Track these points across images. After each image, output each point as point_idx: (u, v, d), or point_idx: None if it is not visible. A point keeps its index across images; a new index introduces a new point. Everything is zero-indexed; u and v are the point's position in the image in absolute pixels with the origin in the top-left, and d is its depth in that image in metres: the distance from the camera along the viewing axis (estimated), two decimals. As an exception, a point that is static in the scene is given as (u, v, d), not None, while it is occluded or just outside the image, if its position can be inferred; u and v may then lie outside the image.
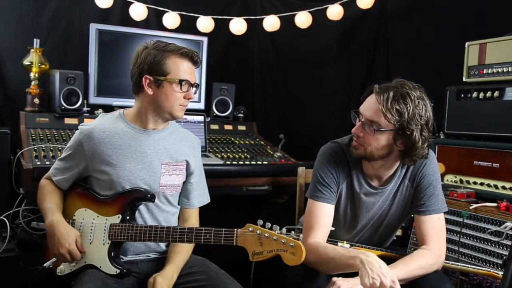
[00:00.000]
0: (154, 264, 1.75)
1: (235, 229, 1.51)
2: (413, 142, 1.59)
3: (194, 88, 1.72)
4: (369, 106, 1.62)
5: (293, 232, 1.46)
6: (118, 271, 1.60)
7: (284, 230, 1.46)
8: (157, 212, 1.75)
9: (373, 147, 1.63)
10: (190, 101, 1.73)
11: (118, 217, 1.65)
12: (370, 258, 1.48)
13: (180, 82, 1.65)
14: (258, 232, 1.46)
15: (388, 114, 1.55)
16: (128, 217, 1.65)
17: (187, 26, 3.09)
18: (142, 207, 1.71)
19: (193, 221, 1.84)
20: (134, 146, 1.70)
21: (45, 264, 1.67)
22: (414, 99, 1.57)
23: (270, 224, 1.47)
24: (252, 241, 1.47)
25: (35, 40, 2.63)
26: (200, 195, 1.87)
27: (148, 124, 1.72)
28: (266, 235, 1.45)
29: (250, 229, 1.48)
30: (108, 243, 1.63)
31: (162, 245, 1.79)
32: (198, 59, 1.70)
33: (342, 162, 1.76)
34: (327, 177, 1.74)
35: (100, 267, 1.62)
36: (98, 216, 1.67)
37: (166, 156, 1.74)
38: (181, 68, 1.66)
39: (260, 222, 1.48)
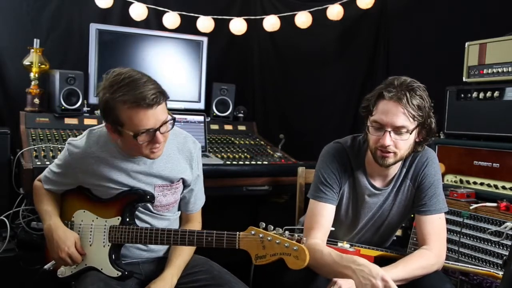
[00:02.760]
0: (156, 265, 1.74)
1: (237, 233, 1.48)
2: (432, 129, 1.64)
3: (171, 121, 1.51)
4: (393, 114, 1.57)
5: (296, 235, 1.44)
6: (120, 273, 1.59)
7: (286, 233, 1.44)
8: (158, 220, 1.72)
9: (404, 149, 1.63)
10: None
11: (118, 219, 1.63)
12: (361, 265, 1.49)
13: (136, 135, 1.46)
14: (261, 235, 1.44)
15: (413, 113, 1.57)
16: (127, 219, 1.63)
17: (187, 26, 3.09)
18: (143, 216, 1.69)
19: (196, 223, 1.82)
20: (125, 171, 1.62)
21: (45, 267, 1.66)
22: (421, 89, 1.61)
23: (272, 227, 1.46)
24: (254, 245, 1.45)
25: (35, 40, 2.63)
26: (199, 199, 1.84)
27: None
28: (269, 238, 1.43)
29: (253, 232, 1.46)
30: (108, 245, 1.62)
31: (161, 252, 1.77)
32: (155, 99, 1.43)
33: (345, 162, 1.76)
34: (329, 178, 1.74)
35: (101, 269, 1.60)
36: (97, 218, 1.66)
37: (158, 179, 1.66)
38: (134, 120, 1.44)
39: (262, 224, 1.46)
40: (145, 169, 1.64)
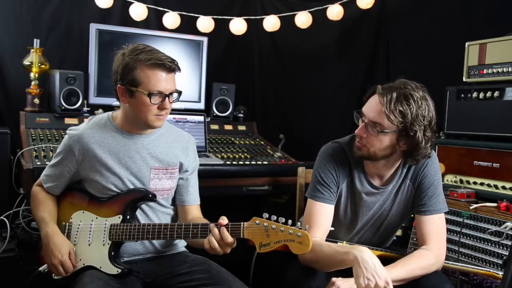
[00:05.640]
0: (154, 263, 1.74)
1: (242, 222, 1.51)
2: (417, 143, 1.59)
3: (176, 94, 1.65)
4: (372, 107, 1.61)
5: (299, 223, 1.48)
6: (120, 270, 1.60)
7: (289, 222, 1.47)
8: (151, 213, 1.74)
9: (376, 148, 1.63)
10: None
11: (119, 217, 1.64)
12: (364, 255, 1.47)
13: (150, 94, 1.58)
14: (265, 224, 1.48)
15: (391, 116, 1.55)
16: (128, 217, 1.65)
17: (187, 26, 3.09)
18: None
19: (199, 217, 1.81)
20: (123, 151, 1.68)
21: (40, 268, 1.66)
22: (417, 100, 1.57)
23: (275, 217, 1.49)
24: (258, 233, 1.48)
25: (35, 40, 2.64)
26: (195, 191, 1.85)
27: (133, 129, 1.70)
28: (273, 226, 1.47)
29: (257, 221, 1.49)
30: (108, 243, 1.62)
31: (158, 246, 1.78)
32: (173, 65, 1.60)
33: (343, 162, 1.76)
34: (327, 177, 1.74)
35: (100, 267, 1.61)
36: (97, 218, 1.66)
37: (155, 161, 1.71)
38: (152, 79, 1.57)
39: (266, 215, 1.50)
40: (142, 148, 1.70)
